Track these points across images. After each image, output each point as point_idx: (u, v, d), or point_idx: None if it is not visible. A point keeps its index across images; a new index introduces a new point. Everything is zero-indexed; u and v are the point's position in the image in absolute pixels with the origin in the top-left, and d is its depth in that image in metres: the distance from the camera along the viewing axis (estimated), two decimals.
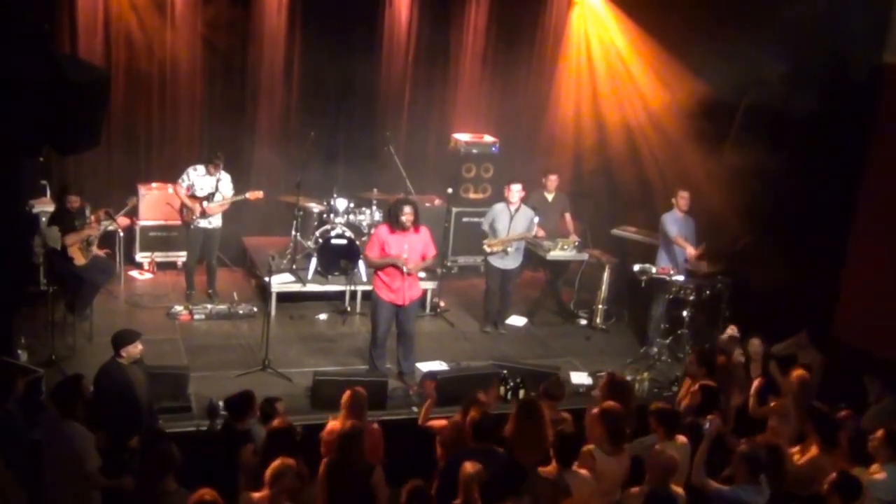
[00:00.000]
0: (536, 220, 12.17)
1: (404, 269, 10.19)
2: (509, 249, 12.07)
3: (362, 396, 7.97)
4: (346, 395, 7.95)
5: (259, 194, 12.39)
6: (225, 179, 12.25)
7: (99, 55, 12.78)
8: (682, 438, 7.78)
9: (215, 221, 12.32)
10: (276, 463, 6.67)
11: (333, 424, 7.79)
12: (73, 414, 7.27)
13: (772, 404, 9.03)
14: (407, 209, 10.14)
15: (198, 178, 12.11)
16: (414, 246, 10.30)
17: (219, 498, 6.28)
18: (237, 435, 7.65)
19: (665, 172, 12.98)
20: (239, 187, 12.41)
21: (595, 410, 7.81)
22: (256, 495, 6.71)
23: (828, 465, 7.67)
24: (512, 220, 12.06)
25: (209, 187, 12.17)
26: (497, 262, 12.18)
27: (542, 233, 12.41)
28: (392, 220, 10.22)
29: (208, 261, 12.65)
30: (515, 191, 12.03)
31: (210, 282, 12.75)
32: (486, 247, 12.14)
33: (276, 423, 7.51)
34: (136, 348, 8.23)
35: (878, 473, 7.52)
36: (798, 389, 8.77)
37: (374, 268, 10.28)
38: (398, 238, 10.22)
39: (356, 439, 7.19)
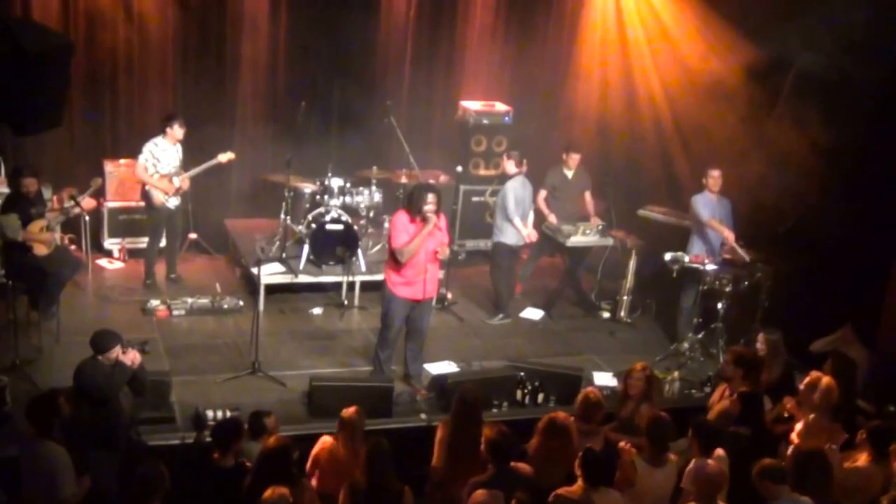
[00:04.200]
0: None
1: (439, 253, 10.31)
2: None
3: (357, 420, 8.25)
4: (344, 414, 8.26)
5: (231, 156, 12.54)
6: (180, 148, 12.42)
7: (55, 15, 12.85)
8: (719, 451, 8.01)
9: (179, 198, 12.52)
10: (268, 493, 6.83)
11: (327, 442, 8.17)
12: (49, 433, 7.50)
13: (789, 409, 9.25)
14: (430, 197, 10.16)
15: (161, 153, 12.20)
16: (434, 234, 10.36)
17: None
18: (222, 473, 7.77)
19: (700, 147, 13.09)
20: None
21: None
22: None
23: (878, 475, 8.06)
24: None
25: (174, 160, 12.30)
26: None
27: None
28: (412, 209, 10.25)
29: (171, 243, 12.83)
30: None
31: (171, 266, 12.92)
32: None
33: (270, 441, 7.67)
34: (113, 353, 8.33)
35: None
36: (819, 402, 8.90)
37: (409, 255, 10.21)
38: (419, 228, 10.22)
39: (385, 458, 7.39)
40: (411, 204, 10.29)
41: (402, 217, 10.32)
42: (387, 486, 7.37)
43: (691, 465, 7.59)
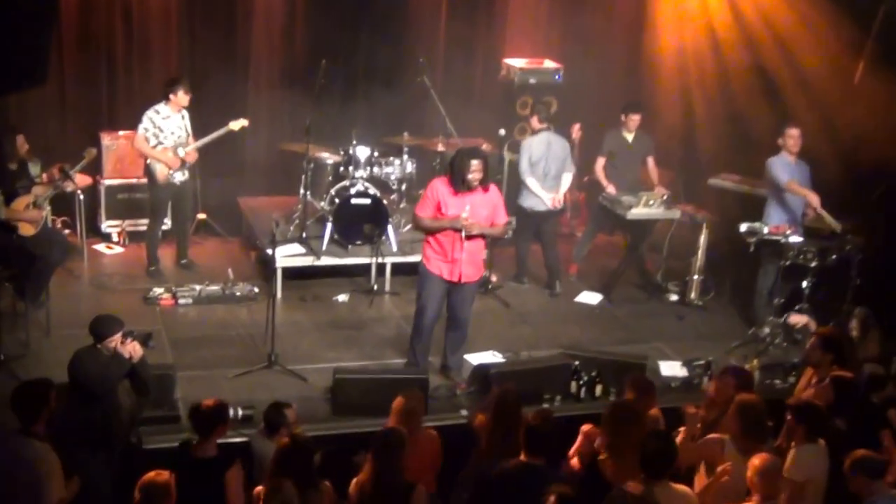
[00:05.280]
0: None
1: (462, 232, 9.96)
2: None
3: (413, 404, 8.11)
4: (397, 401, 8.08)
5: (244, 123, 12.44)
6: (186, 115, 12.33)
7: None
8: (821, 441, 7.82)
9: (185, 173, 12.40)
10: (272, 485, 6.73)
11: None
12: (34, 428, 7.27)
13: None
14: (474, 164, 9.90)
15: (163, 121, 12.09)
16: (478, 208, 10.06)
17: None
18: (196, 464, 7.60)
19: (778, 103, 12.92)
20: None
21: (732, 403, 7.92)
22: None
23: None
24: None
25: (179, 129, 12.20)
26: None
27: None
28: (455, 178, 10.01)
29: (181, 224, 12.77)
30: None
31: (182, 251, 12.84)
32: None
33: (285, 440, 7.45)
34: (112, 342, 8.15)
35: None
36: None
37: (425, 231, 10.20)
38: (460, 199, 10.02)
39: (394, 447, 7.23)
40: (453, 172, 10.05)
41: (439, 185, 10.14)
42: (395, 480, 7.21)
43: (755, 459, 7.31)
